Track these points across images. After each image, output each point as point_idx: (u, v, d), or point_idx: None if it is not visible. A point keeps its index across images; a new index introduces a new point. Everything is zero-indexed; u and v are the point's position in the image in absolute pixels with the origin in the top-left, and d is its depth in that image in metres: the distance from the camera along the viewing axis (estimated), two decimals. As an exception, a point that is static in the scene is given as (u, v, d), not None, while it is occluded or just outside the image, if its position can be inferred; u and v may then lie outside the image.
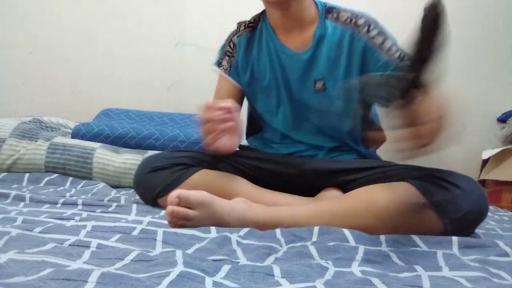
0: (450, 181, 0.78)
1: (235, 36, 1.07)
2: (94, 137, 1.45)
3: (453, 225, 0.74)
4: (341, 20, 0.95)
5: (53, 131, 1.54)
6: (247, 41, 1.06)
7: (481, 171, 1.78)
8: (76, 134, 1.48)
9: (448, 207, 0.75)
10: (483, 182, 1.73)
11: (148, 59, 1.96)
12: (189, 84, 1.95)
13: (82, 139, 1.44)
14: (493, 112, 1.98)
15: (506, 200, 1.59)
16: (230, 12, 1.84)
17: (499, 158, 1.70)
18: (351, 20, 0.94)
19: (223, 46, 1.10)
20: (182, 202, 0.73)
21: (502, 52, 1.98)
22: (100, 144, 1.40)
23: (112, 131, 1.47)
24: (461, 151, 1.99)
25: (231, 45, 1.08)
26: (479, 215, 0.78)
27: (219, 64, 1.11)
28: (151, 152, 1.38)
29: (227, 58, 1.09)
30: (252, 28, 1.05)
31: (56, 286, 0.43)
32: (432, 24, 0.49)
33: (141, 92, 1.96)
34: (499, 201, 1.59)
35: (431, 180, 0.79)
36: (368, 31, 0.93)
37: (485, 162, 1.78)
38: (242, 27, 1.07)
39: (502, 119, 1.93)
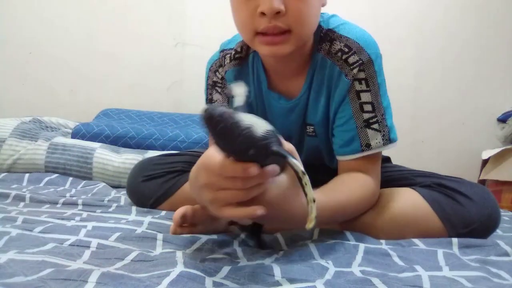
0: (460, 191, 0.74)
1: (220, 69, 0.86)
2: (94, 137, 1.45)
3: (460, 238, 0.71)
4: (331, 53, 0.76)
5: (53, 131, 1.54)
6: (238, 76, 0.84)
7: (481, 171, 1.78)
8: (76, 134, 1.48)
9: (457, 222, 0.72)
10: (483, 182, 1.73)
11: (148, 59, 1.96)
12: (189, 84, 1.95)
13: (82, 139, 1.44)
14: (493, 112, 1.98)
15: (506, 200, 1.59)
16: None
17: (499, 158, 1.70)
18: (342, 54, 0.75)
19: (207, 79, 0.89)
20: (187, 220, 0.71)
21: (502, 52, 1.98)
22: (100, 144, 1.40)
23: (112, 131, 1.47)
24: (461, 151, 1.99)
25: (218, 75, 0.86)
26: (489, 229, 0.74)
27: (210, 101, 0.89)
28: (151, 152, 1.38)
29: (217, 89, 0.87)
30: (240, 59, 0.83)
31: (56, 286, 0.43)
32: (209, 126, 0.44)
33: (141, 92, 1.96)
34: (499, 201, 1.59)
35: (440, 190, 0.76)
36: (357, 72, 0.74)
37: (485, 162, 1.78)
38: (228, 60, 0.84)
39: (502, 119, 1.93)
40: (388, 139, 0.76)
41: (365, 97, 0.75)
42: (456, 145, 2.00)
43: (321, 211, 0.55)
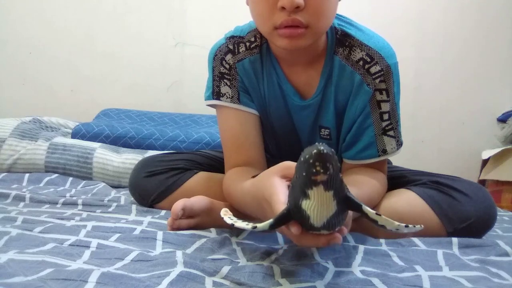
0: (456, 188, 0.75)
1: (229, 56, 0.82)
2: (94, 137, 1.45)
3: (457, 235, 0.71)
4: (352, 60, 0.76)
5: (53, 131, 1.54)
6: (253, 67, 0.81)
7: (481, 171, 1.78)
8: (76, 134, 1.48)
9: (453, 216, 0.73)
10: (483, 182, 1.73)
11: (148, 59, 1.96)
12: (189, 84, 1.95)
13: (82, 139, 1.44)
14: (493, 112, 1.98)
15: (506, 200, 1.59)
16: (230, 12, 1.84)
17: (499, 158, 1.70)
18: (364, 64, 0.75)
19: (212, 69, 0.84)
20: (186, 212, 0.72)
21: (502, 52, 1.98)
22: (100, 144, 1.40)
23: (112, 131, 1.47)
24: (461, 151, 1.99)
25: (225, 65, 0.82)
26: (487, 224, 0.75)
27: (217, 94, 0.83)
28: (151, 152, 1.38)
29: (226, 82, 0.82)
30: (256, 48, 0.81)
31: (56, 286, 0.43)
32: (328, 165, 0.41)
33: (141, 92, 1.96)
34: (499, 201, 1.59)
35: (435, 187, 0.76)
36: (378, 82, 0.75)
37: (485, 162, 1.78)
38: (244, 48, 0.81)
39: (502, 119, 1.93)
40: (400, 144, 0.79)
41: (385, 106, 0.77)
42: (456, 145, 2.00)
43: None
